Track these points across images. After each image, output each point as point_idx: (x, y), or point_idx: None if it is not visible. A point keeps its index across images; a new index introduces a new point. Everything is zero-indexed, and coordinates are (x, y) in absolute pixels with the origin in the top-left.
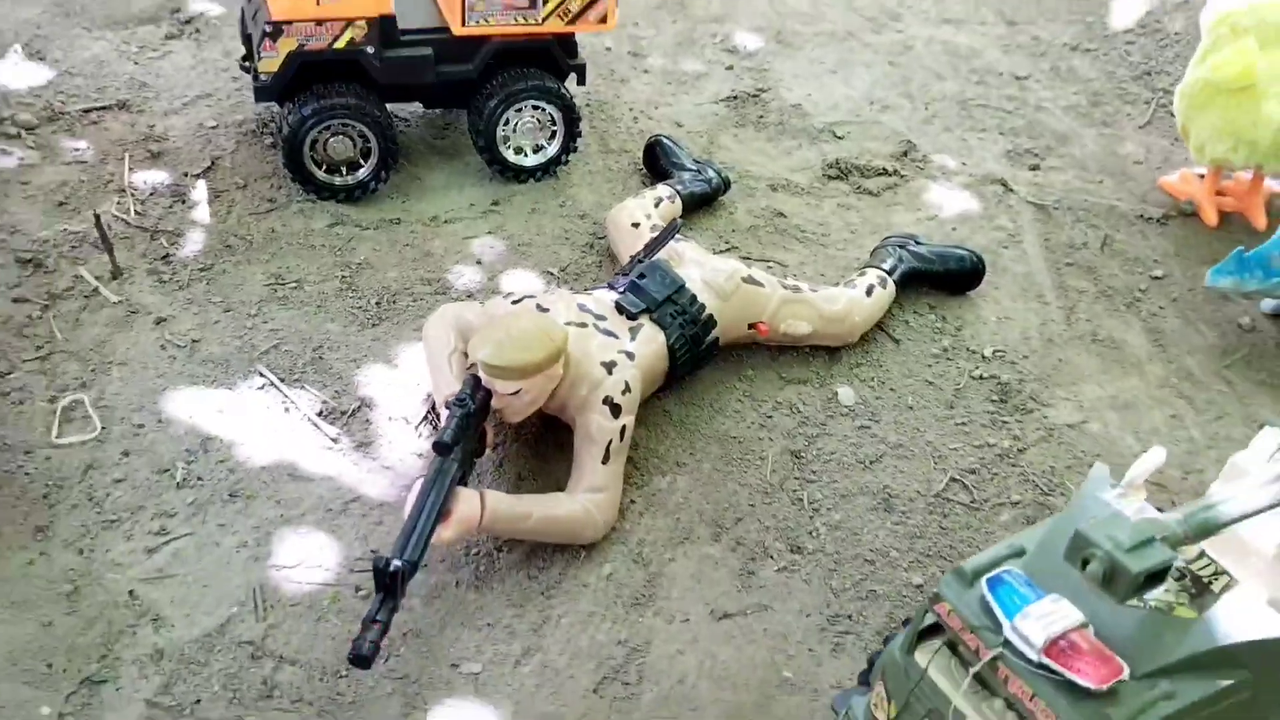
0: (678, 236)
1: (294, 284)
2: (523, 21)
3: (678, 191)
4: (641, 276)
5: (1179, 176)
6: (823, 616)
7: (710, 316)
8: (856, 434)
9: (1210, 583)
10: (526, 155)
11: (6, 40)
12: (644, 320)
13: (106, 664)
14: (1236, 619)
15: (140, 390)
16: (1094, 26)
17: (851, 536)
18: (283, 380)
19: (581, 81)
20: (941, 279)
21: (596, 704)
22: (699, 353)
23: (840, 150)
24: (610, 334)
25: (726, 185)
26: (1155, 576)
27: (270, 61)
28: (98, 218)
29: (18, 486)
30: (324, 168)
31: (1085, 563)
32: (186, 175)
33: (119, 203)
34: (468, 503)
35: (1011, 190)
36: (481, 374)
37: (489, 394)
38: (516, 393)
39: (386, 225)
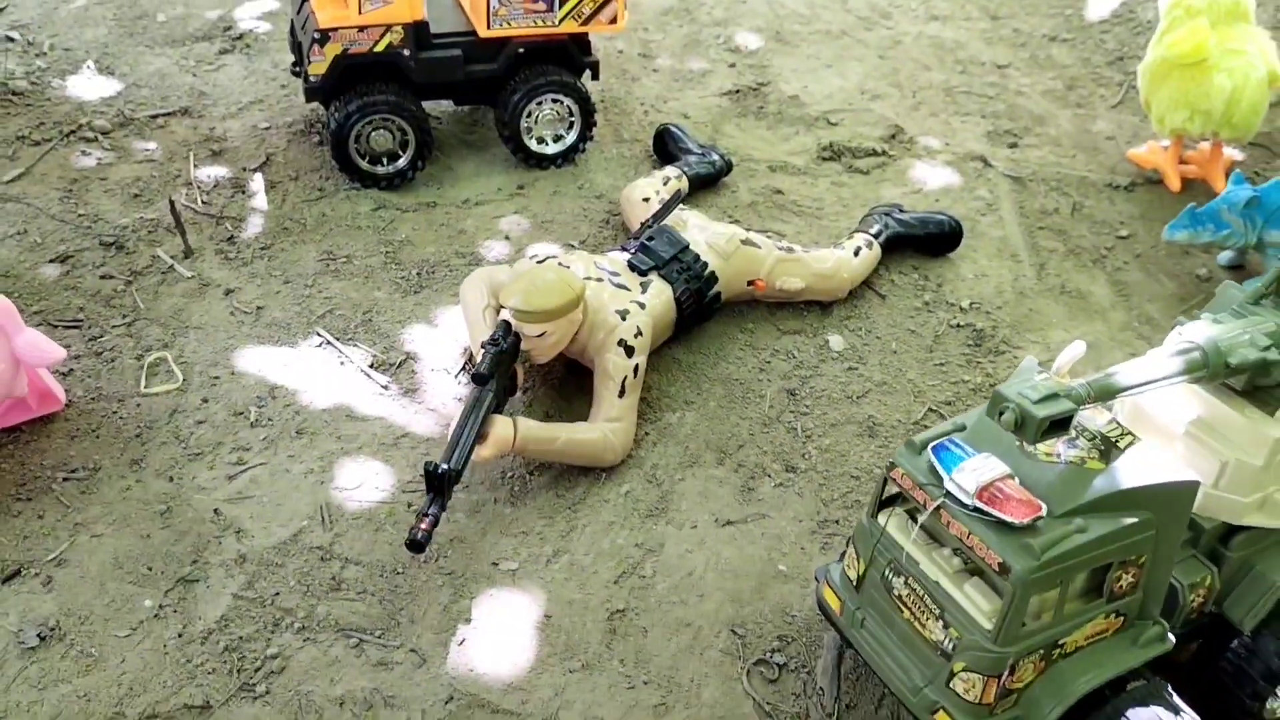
0: (681, 206)
1: (344, 259)
2: (541, 24)
3: (684, 172)
4: (650, 239)
5: (1146, 148)
6: (813, 522)
7: (712, 273)
8: (845, 374)
9: (1118, 442)
10: (547, 144)
11: (79, 57)
12: (653, 276)
13: (198, 566)
14: (1138, 468)
15: (214, 349)
16: (1071, 18)
17: (840, 458)
18: (338, 339)
19: (595, 76)
20: (923, 242)
21: (617, 592)
22: (703, 305)
23: (834, 135)
24: (623, 287)
25: (729, 167)
26: (1059, 424)
27: (319, 65)
28: (173, 203)
29: (113, 428)
30: (367, 159)
31: (1001, 413)
32: (245, 170)
33: (187, 194)
34: (503, 426)
35: (990, 165)
36: (511, 319)
37: (518, 338)
38: (542, 335)
39: (424, 208)
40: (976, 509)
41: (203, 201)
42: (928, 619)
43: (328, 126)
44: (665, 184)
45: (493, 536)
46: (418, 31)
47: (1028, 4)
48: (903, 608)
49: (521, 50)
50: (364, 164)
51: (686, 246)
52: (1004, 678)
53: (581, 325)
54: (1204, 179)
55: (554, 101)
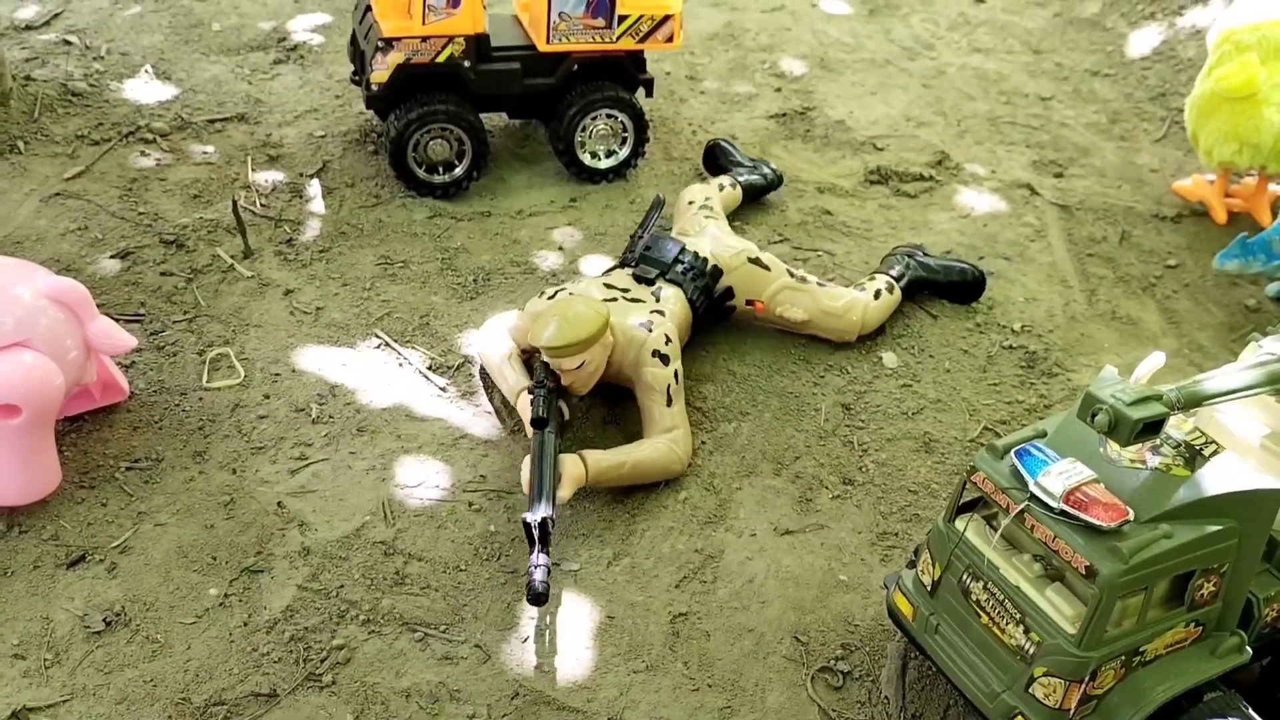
0: (708, 214)
1: (401, 264)
2: (599, 40)
3: (738, 180)
4: (648, 249)
5: (1191, 181)
6: (873, 534)
7: (715, 267)
8: (900, 391)
9: (1201, 449)
10: (600, 159)
11: (136, 62)
12: (660, 283)
13: (262, 558)
14: (1222, 476)
15: (275, 347)
16: (1113, 55)
17: (897, 472)
18: (396, 341)
19: (649, 94)
20: (945, 288)
21: (679, 596)
22: (715, 301)
23: (881, 159)
24: (638, 300)
25: (780, 180)
26: (1152, 427)
27: (381, 73)
28: (235, 202)
29: (175, 420)
30: (424, 167)
31: (1094, 415)
32: (301, 175)
33: (245, 196)
34: (573, 464)
35: (1037, 193)
36: (546, 358)
37: (557, 375)
38: (580, 366)
39: (478, 217)
40: (1063, 512)
41: (261, 204)
42: (1007, 624)
43: (387, 134)
44: (720, 190)
45: (553, 538)
46: (479, 44)
47: (1069, 40)
48: (981, 612)
49: (579, 65)
50: (421, 172)
51: (684, 246)
52: (1085, 683)
53: (614, 348)
54: (1249, 212)
55: (608, 117)
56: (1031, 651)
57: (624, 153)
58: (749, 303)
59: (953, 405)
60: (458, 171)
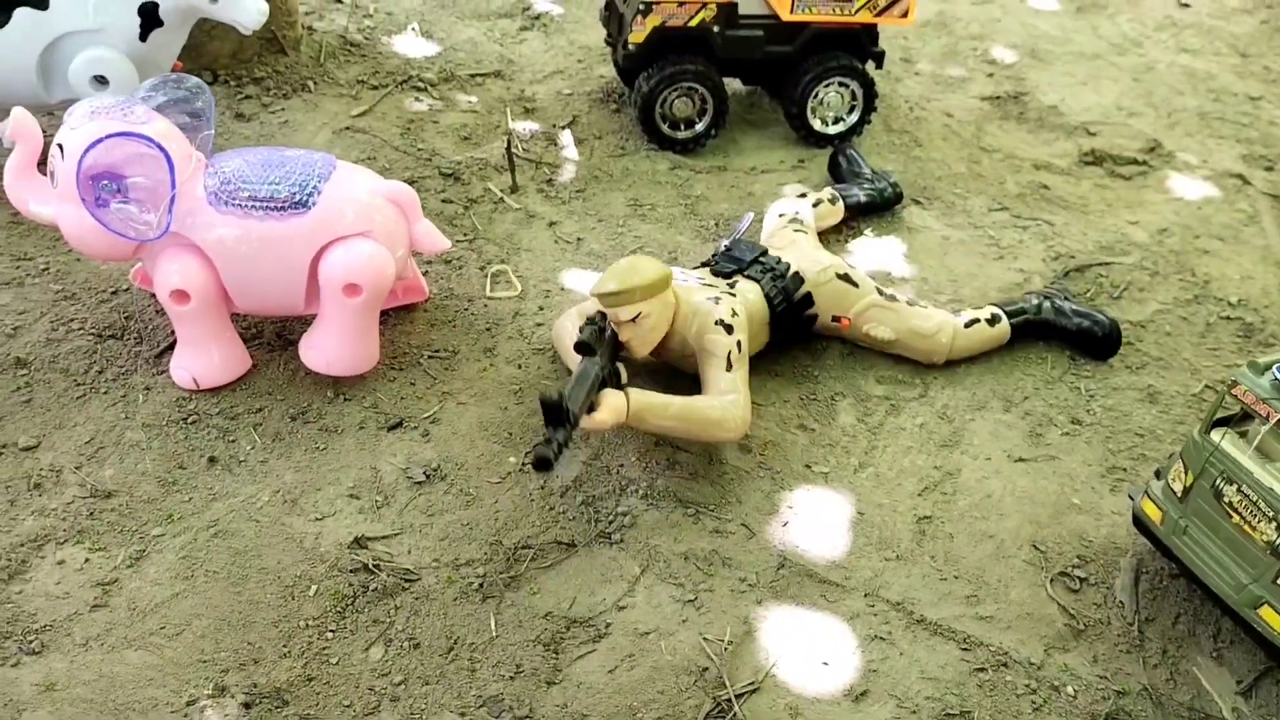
0: (801, 229)
1: (649, 206)
2: (839, 12)
3: (842, 196)
4: (729, 249)
5: None
6: (1102, 467)
7: (796, 273)
8: (1123, 348)
9: None
10: (829, 125)
11: (401, 21)
12: (738, 278)
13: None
14: None
15: (544, 268)
16: None
17: (1123, 417)
18: None
19: (879, 65)
20: (1073, 337)
21: (921, 503)
22: (794, 306)
23: (1094, 143)
24: (710, 286)
25: (899, 197)
26: None
27: (638, 33)
28: (508, 143)
29: (466, 321)
30: (668, 123)
31: None
32: (555, 126)
33: (508, 140)
34: (615, 395)
35: (1249, 184)
36: (604, 309)
37: (615, 334)
38: (637, 318)
39: (715, 171)
40: None
41: (523, 148)
42: (1260, 522)
43: (638, 90)
44: (816, 205)
45: (803, 444)
46: (728, 11)
47: (1276, 45)
48: (1232, 513)
49: (816, 35)
50: (665, 128)
51: (765, 250)
52: None
53: (676, 315)
54: None
55: (841, 85)
56: None
57: (852, 119)
58: (835, 319)
59: (1174, 364)
60: (698, 128)
